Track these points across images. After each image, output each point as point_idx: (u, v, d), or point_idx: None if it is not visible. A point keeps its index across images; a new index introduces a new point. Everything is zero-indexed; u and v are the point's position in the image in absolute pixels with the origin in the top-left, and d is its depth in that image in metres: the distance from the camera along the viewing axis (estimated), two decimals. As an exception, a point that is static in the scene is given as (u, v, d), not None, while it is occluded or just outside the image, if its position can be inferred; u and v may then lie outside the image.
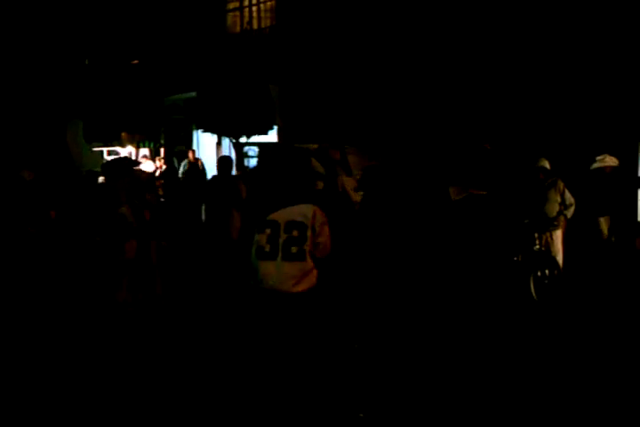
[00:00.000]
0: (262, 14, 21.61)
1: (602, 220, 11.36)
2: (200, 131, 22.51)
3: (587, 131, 12.36)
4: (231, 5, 22.79)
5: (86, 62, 28.28)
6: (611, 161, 11.45)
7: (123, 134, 24.37)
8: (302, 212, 5.60)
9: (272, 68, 20.02)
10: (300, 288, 5.51)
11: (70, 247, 10.44)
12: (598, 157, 11.58)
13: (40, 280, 10.22)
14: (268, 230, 5.56)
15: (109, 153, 25.46)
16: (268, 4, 21.44)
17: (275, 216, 5.59)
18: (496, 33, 14.10)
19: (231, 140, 20.88)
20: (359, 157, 17.27)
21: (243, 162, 20.63)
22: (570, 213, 11.08)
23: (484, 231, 7.41)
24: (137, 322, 7.84)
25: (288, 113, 20.14)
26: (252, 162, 21.41)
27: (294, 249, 5.53)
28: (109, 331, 7.82)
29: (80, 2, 26.59)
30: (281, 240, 5.53)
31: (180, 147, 25.71)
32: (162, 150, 26.59)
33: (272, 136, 20.63)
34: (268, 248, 5.54)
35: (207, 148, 24.93)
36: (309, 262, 5.59)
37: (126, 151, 24.87)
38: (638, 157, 11.78)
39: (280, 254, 5.51)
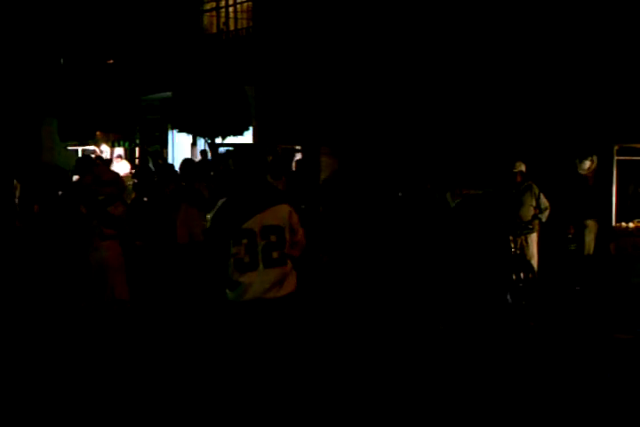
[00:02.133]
0: (239, 15, 21.40)
1: (589, 222, 11.17)
2: (175, 131, 22.31)
3: (563, 134, 12.24)
4: (208, 6, 22.55)
5: (61, 61, 27.99)
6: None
7: (98, 133, 24.07)
8: (277, 215, 5.23)
9: (248, 68, 19.84)
10: (282, 292, 5.17)
11: (53, 242, 10.20)
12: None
13: (30, 274, 10.03)
14: (245, 240, 5.11)
15: (84, 152, 25.18)
16: (245, 4, 21.23)
17: (249, 224, 5.14)
18: (471, 34, 13.97)
19: (206, 141, 20.69)
20: (332, 159, 17.24)
21: (218, 163, 20.40)
22: (544, 216, 10.95)
23: (484, 232, 7.27)
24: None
25: (264, 114, 19.98)
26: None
27: (275, 254, 5.17)
28: (98, 327, 7.82)
29: (55, 1, 26.24)
30: (259, 248, 5.13)
31: (155, 147, 25.43)
32: (137, 150, 26.32)
33: (247, 137, 20.44)
34: (247, 259, 5.11)
35: (182, 148, 24.71)
36: (289, 264, 5.28)
37: (100, 150, 24.58)
38: (613, 160, 11.66)
39: (261, 263, 5.13)
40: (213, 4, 22.35)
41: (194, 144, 24.05)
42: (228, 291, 5.20)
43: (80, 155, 24.71)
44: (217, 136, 19.74)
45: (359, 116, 16.62)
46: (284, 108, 18.95)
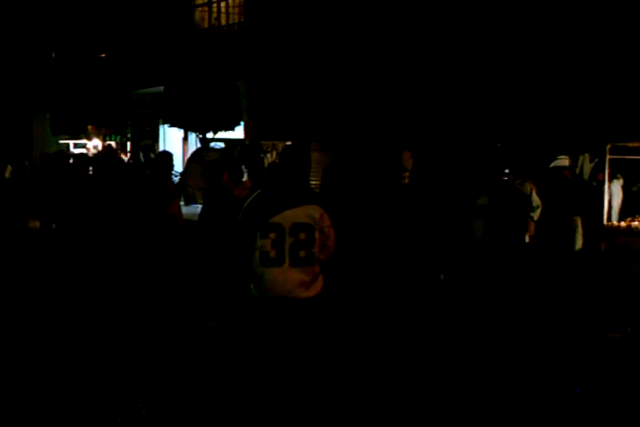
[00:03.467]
0: (231, 10, 21.20)
1: (576, 219, 11.07)
2: (167, 125, 22.21)
3: (555, 133, 12.15)
4: (199, 1, 22.35)
5: (53, 55, 27.81)
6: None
7: (89, 127, 23.98)
8: (308, 213, 5.04)
9: (240, 64, 19.68)
10: (310, 293, 5.00)
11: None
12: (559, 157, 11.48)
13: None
14: (273, 235, 4.93)
15: (76, 146, 25.08)
16: (237, 0, 21.02)
17: (278, 219, 4.96)
18: (467, 31, 13.84)
19: (197, 136, 20.60)
20: (322, 154, 17.08)
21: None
22: (536, 215, 10.83)
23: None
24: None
25: (255, 109, 19.83)
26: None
27: (302, 253, 4.97)
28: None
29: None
30: (287, 245, 4.94)
31: (146, 141, 25.32)
32: (128, 144, 26.20)
33: (238, 132, 20.36)
34: (273, 254, 4.94)
35: (174, 142, 24.61)
36: (317, 266, 5.09)
37: (92, 144, 24.46)
38: (606, 159, 11.53)
39: (287, 260, 4.95)
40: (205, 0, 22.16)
41: (185, 139, 23.97)
42: (252, 286, 5.05)
43: (72, 148, 24.66)
44: (208, 131, 19.66)
45: (351, 112, 16.49)
46: (276, 103, 18.82)
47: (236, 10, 21.04)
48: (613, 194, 12.16)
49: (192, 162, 13.63)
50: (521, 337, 8.07)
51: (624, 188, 12.56)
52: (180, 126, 20.50)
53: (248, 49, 19.65)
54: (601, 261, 10.93)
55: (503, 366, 7.06)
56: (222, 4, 21.48)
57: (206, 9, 22.01)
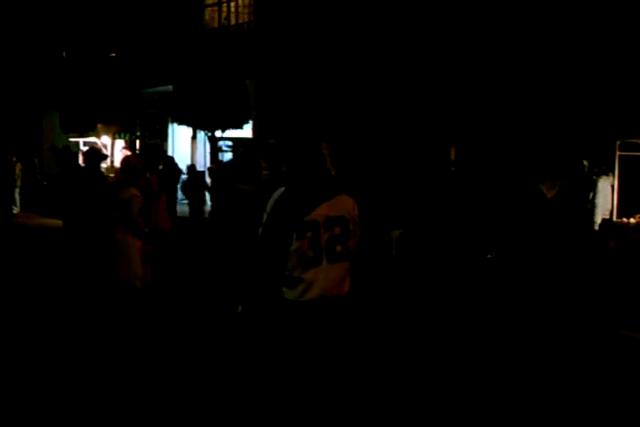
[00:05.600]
0: (240, 9, 21.10)
1: None
2: (175, 124, 22.11)
3: (566, 130, 12.01)
4: (209, 0, 22.24)
5: (64, 55, 27.76)
6: None
7: (99, 125, 23.87)
8: (342, 204, 4.63)
9: (249, 63, 19.56)
10: (345, 289, 4.63)
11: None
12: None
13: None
14: (309, 233, 4.50)
15: (85, 144, 24.99)
16: (247, -1, 20.92)
17: (313, 215, 4.53)
18: (474, 30, 13.71)
19: (206, 134, 20.46)
20: (331, 152, 16.92)
21: (217, 156, 20.22)
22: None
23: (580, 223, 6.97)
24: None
25: (264, 107, 19.71)
26: (227, 156, 20.98)
27: (339, 248, 4.56)
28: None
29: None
30: (323, 240, 4.52)
31: (155, 140, 25.20)
32: (137, 142, 26.09)
33: (247, 130, 20.21)
34: (310, 254, 4.50)
35: (182, 141, 24.50)
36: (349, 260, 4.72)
37: (100, 142, 24.39)
38: (615, 156, 11.39)
39: (325, 258, 4.52)
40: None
41: (194, 137, 23.85)
42: (285, 289, 4.60)
43: (82, 146, 24.58)
44: (217, 129, 19.52)
45: (360, 110, 16.36)
46: (284, 101, 18.70)
47: (246, 9, 20.95)
48: (600, 191, 11.91)
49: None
50: (536, 336, 7.90)
51: (614, 186, 12.37)
52: (188, 124, 20.38)
53: (257, 48, 19.55)
54: (611, 258, 10.74)
55: (522, 364, 6.89)
56: (232, 4, 21.37)
57: (216, 9, 21.91)
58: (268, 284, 4.64)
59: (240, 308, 7.09)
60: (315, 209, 4.56)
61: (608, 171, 11.93)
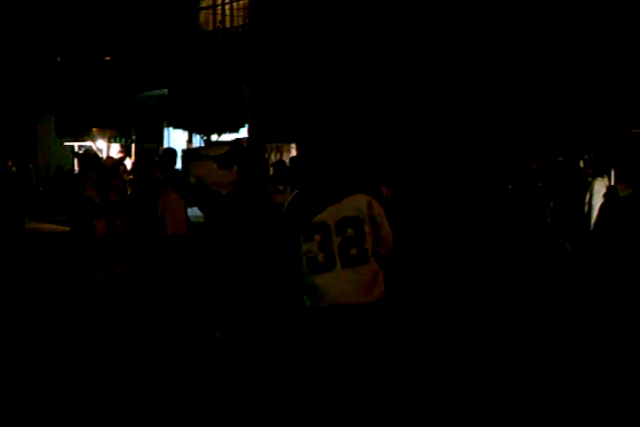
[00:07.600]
0: (235, 13, 20.93)
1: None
2: (171, 128, 21.94)
3: (568, 130, 11.95)
4: (204, 3, 22.10)
5: (58, 59, 27.57)
6: None
7: (94, 130, 23.64)
8: (354, 205, 4.37)
9: (244, 66, 19.41)
10: (369, 298, 4.31)
11: None
12: None
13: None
14: (318, 236, 4.28)
15: (80, 148, 24.78)
16: (241, 2, 20.80)
17: (321, 217, 4.32)
18: (477, 29, 13.64)
19: (202, 138, 20.29)
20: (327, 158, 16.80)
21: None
22: None
23: None
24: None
25: (259, 111, 19.56)
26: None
27: (354, 251, 4.29)
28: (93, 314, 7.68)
29: (52, -1, 25.84)
30: (335, 244, 4.28)
31: (150, 144, 25.02)
32: (133, 146, 25.90)
33: (243, 134, 20.07)
34: (322, 258, 4.27)
35: (178, 146, 24.28)
36: (374, 263, 4.39)
37: (96, 146, 24.16)
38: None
39: (338, 262, 4.28)
40: (209, 2, 21.93)
41: (189, 141, 23.67)
42: (305, 296, 4.40)
43: (76, 150, 24.38)
44: (213, 133, 19.36)
45: (354, 114, 16.24)
46: (280, 105, 18.56)
47: (241, 12, 20.79)
48: (595, 192, 11.71)
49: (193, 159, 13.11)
50: (545, 337, 7.69)
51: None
52: (184, 128, 20.24)
53: (252, 51, 19.40)
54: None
55: (530, 365, 6.67)
56: (227, 7, 21.22)
57: (211, 12, 21.77)
58: (288, 289, 4.46)
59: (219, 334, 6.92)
60: (322, 211, 4.35)
61: (603, 172, 11.79)
